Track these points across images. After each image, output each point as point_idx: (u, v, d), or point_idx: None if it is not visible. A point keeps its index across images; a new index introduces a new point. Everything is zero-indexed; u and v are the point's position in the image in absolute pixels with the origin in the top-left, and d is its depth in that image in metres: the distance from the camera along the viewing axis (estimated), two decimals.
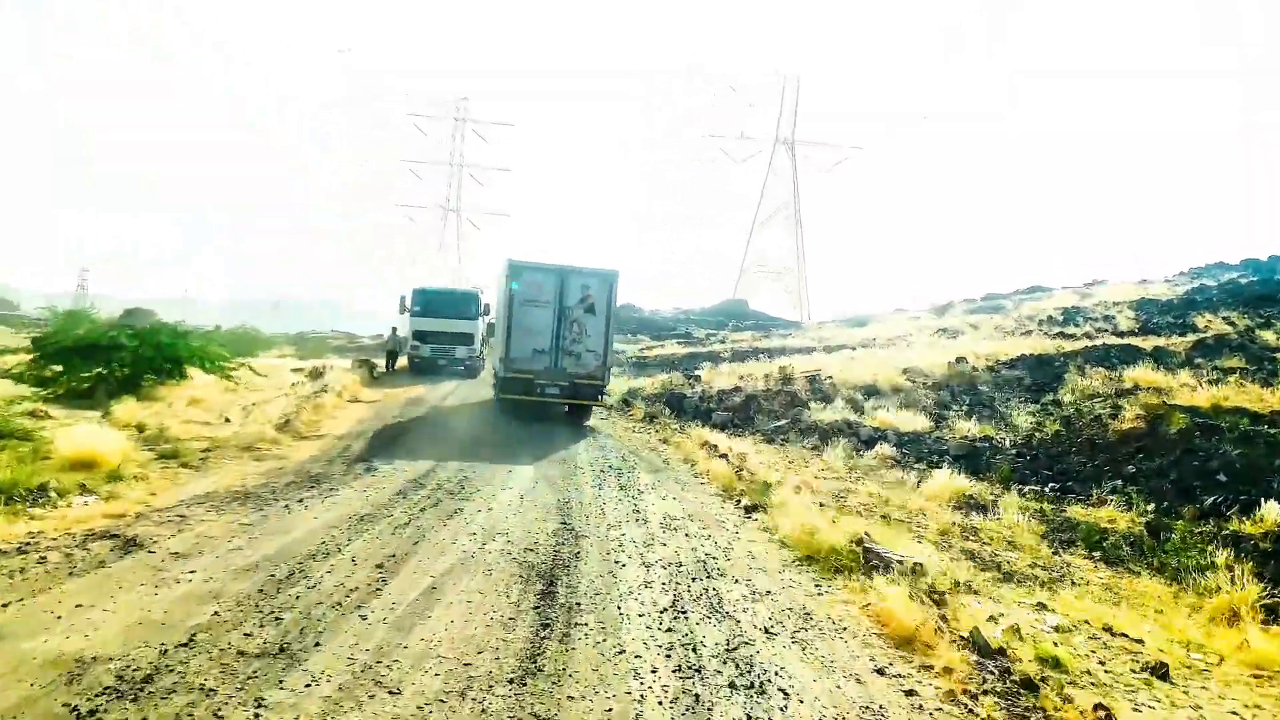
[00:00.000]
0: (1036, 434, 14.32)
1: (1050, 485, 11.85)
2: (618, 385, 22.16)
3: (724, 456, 11.69)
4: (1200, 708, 4.90)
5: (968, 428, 14.70)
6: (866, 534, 7.55)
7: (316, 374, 19.74)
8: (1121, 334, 24.10)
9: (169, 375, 15.38)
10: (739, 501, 9.34)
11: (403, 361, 24.69)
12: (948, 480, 11.25)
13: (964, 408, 16.79)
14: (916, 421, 15.33)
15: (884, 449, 13.63)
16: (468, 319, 23.94)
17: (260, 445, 10.11)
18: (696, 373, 21.23)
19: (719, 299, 71.78)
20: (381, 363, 25.51)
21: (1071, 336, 25.24)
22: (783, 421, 15.70)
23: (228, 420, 12.26)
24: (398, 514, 7.50)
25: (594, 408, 15.71)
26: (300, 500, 7.72)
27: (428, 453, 10.88)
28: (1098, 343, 20.79)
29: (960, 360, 19.37)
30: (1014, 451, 13.76)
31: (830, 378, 18.70)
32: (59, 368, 14.70)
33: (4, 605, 4.56)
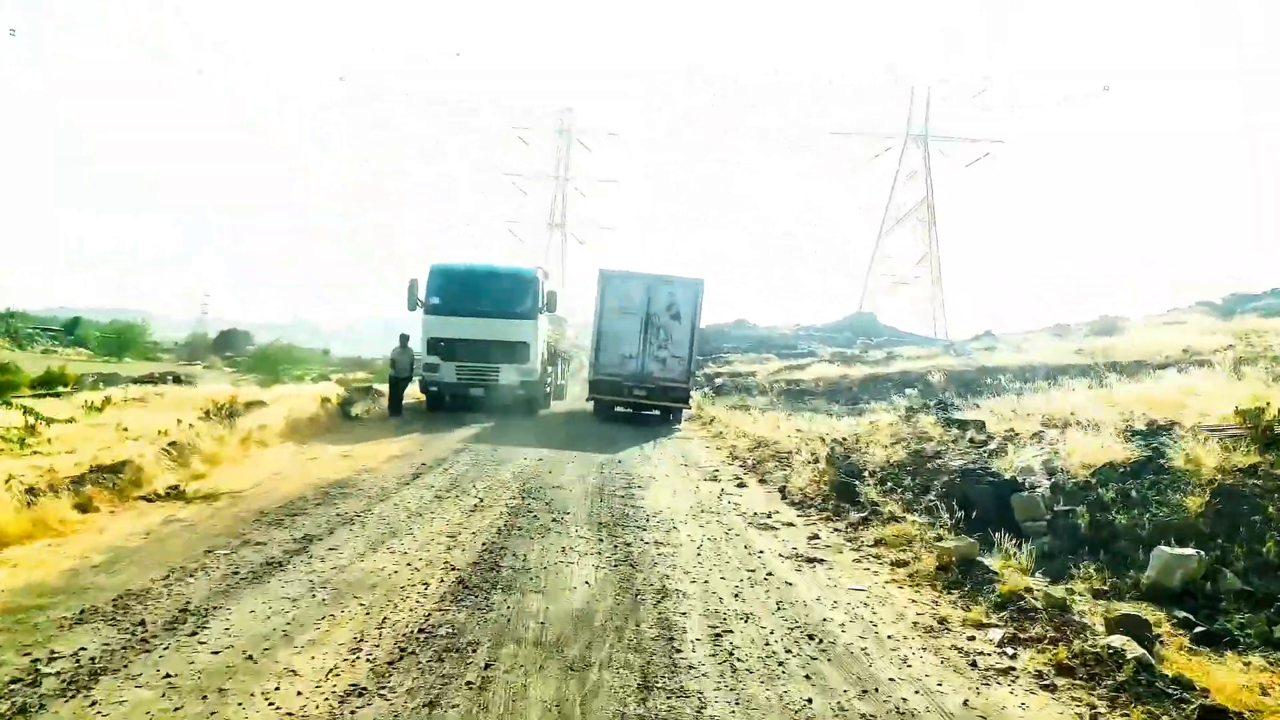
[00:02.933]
0: None
1: None
2: (784, 438, 12.00)
3: None
4: None
5: None
6: None
7: (228, 413, 10.60)
8: None
9: None
10: None
11: (415, 388, 15.06)
12: None
13: None
14: None
15: None
16: (519, 317, 13.89)
17: None
18: (962, 417, 10.57)
19: (839, 313, 60.64)
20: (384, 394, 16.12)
21: None
22: None
23: None
24: None
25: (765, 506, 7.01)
26: None
27: None
28: None
29: None
30: None
31: None
32: None
33: None
